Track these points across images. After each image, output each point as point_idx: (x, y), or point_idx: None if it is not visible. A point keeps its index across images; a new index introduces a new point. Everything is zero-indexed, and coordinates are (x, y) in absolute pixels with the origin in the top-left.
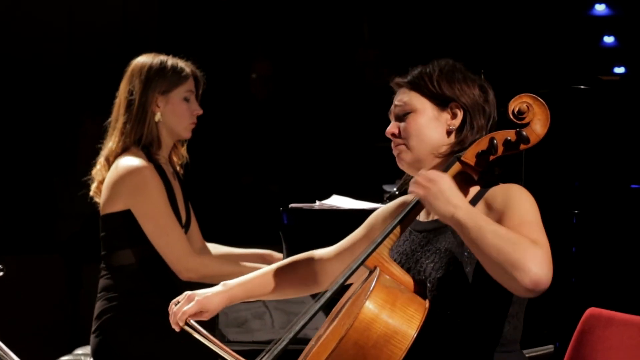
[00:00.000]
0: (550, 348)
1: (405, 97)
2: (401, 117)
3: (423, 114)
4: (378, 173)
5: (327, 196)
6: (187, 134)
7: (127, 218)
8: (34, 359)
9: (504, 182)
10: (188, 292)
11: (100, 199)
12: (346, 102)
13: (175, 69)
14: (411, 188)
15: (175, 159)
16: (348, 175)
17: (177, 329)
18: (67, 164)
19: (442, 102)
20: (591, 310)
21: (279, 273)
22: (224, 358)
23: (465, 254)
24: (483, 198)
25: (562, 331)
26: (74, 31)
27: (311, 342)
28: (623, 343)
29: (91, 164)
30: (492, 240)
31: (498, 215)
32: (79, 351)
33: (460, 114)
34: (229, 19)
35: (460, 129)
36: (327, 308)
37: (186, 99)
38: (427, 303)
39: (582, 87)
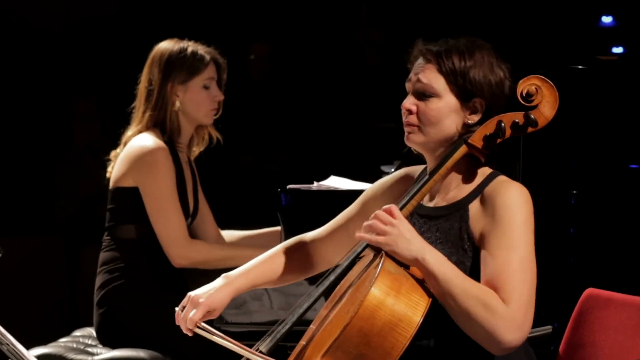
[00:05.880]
0: (548, 329)
1: (431, 77)
2: (421, 96)
3: (445, 103)
4: (376, 154)
5: (325, 177)
6: (207, 120)
7: (135, 195)
8: (32, 341)
9: (504, 163)
10: (191, 294)
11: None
12: (345, 83)
13: (195, 57)
14: (362, 234)
15: (196, 140)
16: (346, 156)
17: (189, 334)
18: (64, 145)
19: (466, 96)
20: (590, 291)
21: (276, 260)
22: (240, 355)
23: (466, 246)
24: (481, 193)
25: (560, 312)
26: (70, 11)
27: (312, 325)
28: (622, 323)
29: (86, 145)
30: (461, 300)
31: (488, 222)
32: (77, 333)
33: (480, 111)
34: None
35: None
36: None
37: (206, 87)
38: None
39: (580, 67)
